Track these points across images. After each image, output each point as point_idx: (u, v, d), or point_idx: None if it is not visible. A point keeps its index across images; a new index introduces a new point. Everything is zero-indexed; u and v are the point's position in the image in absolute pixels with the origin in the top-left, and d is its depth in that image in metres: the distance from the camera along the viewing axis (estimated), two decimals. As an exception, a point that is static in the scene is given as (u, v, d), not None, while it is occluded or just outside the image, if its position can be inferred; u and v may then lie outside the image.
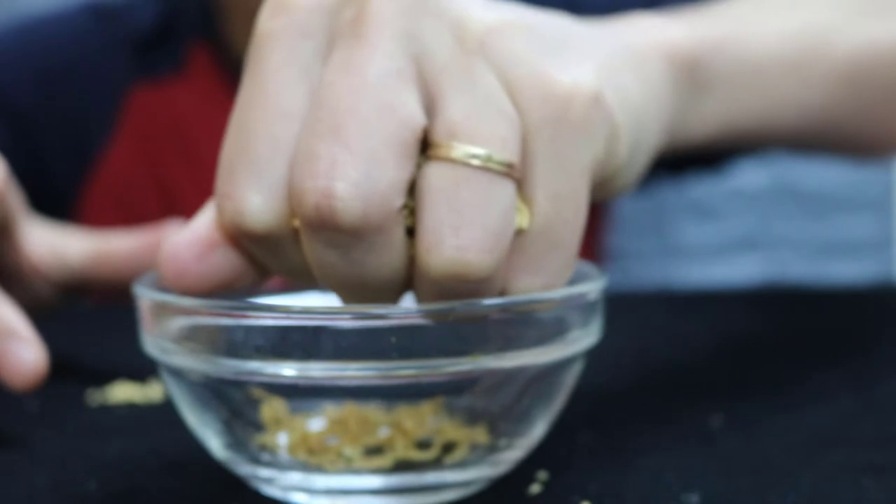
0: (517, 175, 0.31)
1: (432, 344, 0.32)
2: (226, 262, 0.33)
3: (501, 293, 0.32)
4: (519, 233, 0.32)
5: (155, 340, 0.34)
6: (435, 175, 0.31)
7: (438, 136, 0.31)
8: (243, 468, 0.35)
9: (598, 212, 0.89)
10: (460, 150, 0.31)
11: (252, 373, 0.32)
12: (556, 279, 0.33)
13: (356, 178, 0.30)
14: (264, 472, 0.35)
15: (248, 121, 0.32)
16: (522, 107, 0.32)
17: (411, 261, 0.32)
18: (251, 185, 0.32)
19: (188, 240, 0.33)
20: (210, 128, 0.59)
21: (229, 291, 0.34)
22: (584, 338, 0.35)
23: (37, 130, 0.81)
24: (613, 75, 0.35)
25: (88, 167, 0.81)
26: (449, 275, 0.31)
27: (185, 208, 0.79)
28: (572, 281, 0.36)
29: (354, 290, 0.32)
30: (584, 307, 0.34)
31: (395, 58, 0.31)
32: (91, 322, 0.63)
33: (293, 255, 0.33)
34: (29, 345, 0.42)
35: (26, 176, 0.64)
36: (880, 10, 0.55)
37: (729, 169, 0.81)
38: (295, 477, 0.34)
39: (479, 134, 0.31)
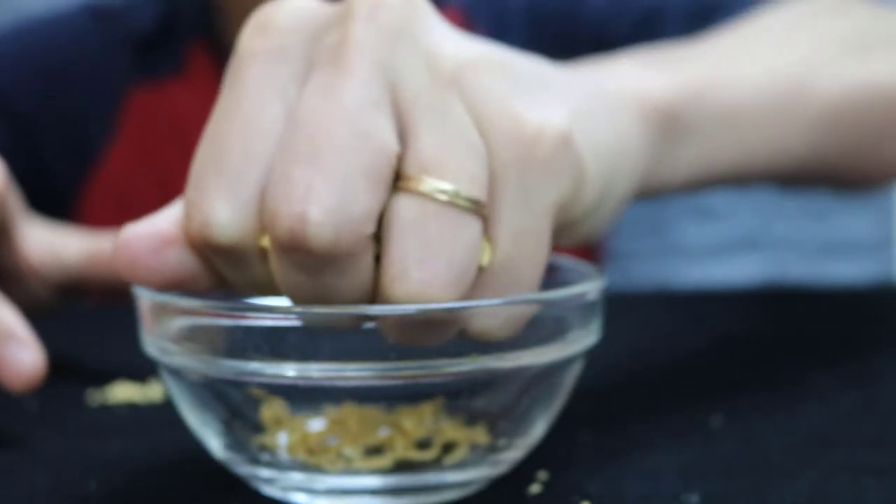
0: (484, 213, 0.32)
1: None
2: (179, 261, 0.33)
3: (460, 334, 0.32)
4: (479, 269, 0.32)
5: (155, 341, 0.35)
6: (404, 207, 0.31)
7: (409, 168, 0.31)
8: (243, 468, 0.35)
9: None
10: (429, 184, 0.31)
11: (252, 373, 0.32)
12: (515, 318, 0.33)
13: (330, 205, 0.30)
14: (264, 473, 0.35)
15: (223, 133, 0.32)
16: (491, 144, 0.32)
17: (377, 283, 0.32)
18: (221, 197, 0.32)
19: (145, 232, 0.33)
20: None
21: (184, 291, 0.34)
22: (584, 338, 0.35)
23: (37, 131, 0.81)
24: (585, 119, 0.35)
25: (88, 168, 0.81)
26: (414, 300, 0.31)
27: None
28: (573, 281, 0.36)
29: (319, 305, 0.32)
30: (583, 307, 0.34)
31: (372, 87, 0.31)
32: (91, 322, 0.63)
33: (256, 270, 0.33)
34: (27, 347, 0.42)
35: (26, 177, 0.64)
36: (861, 49, 0.55)
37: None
38: (295, 477, 0.34)
39: (448, 169, 0.31)
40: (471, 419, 0.35)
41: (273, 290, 0.33)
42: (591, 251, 0.86)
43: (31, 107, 0.81)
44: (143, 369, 0.48)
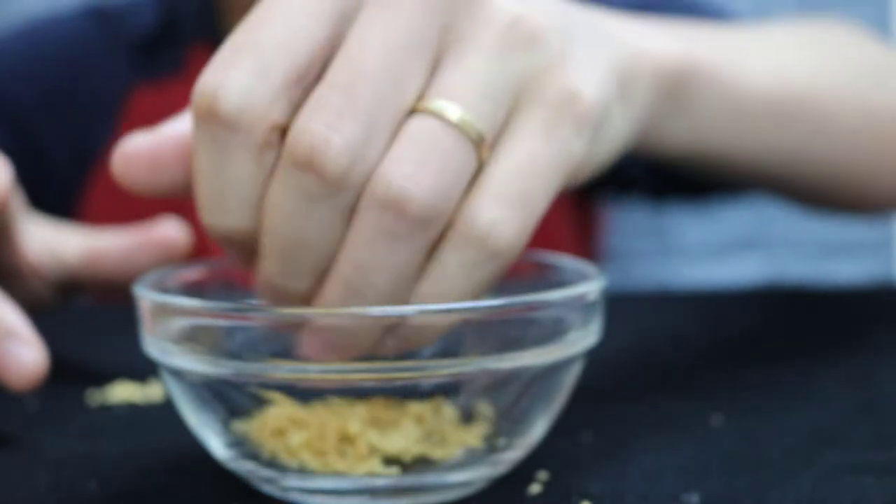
0: (483, 155, 0.33)
1: (433, 345, 0.32)
2: (171, 180, 0.35)
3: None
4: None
5: (155, 341, 0.35)
6: (411, 123, 0.32)
7: (427, 92, 0.32)
8: (243, 468, 0.35)
9: (597, 212, 0.89)
10: (439, 104, 0.32)
11: (252, 373, 0.32)
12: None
13: (352, 139, 0.31)
14: (264, 473, 0.35)
15: (270, 16, 0.32)
16: (531, 91, 0.34)
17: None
18: (245, 70, 0.32)
19: (145, 144, 0.35)
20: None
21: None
22: (584, 338, 0.35)
23: (38, 131, 0.81)
24: (611, 85, 0.36)
25: (89, 167, 0.81)
26: (390, 201, 0.31)
27: (185, 209, 0.79)
28: (573, 282, 0.37)
29: (298, 260, 0.33)
30: (583, 308, 0.34)
31: (424, 30, 0.32)
32: (91, 322, 0.63)
33: (244, 165, 0.32)
34: (29, 345, 0.42)
35: (28, 176, 0.64)
36: (872, 76, 0.56)
37: (713, 207, 0.81)
38: (295, 477, 0.34)
39: (463, 100, 0.32)
40: (471, 419, 0.35)
41: (243, 204, 0.33)
42: (591, 251, 0.86)
43: (32, 107, 0.81)
44: (144, 369, 0.48)
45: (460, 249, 0.32)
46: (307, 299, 0.33)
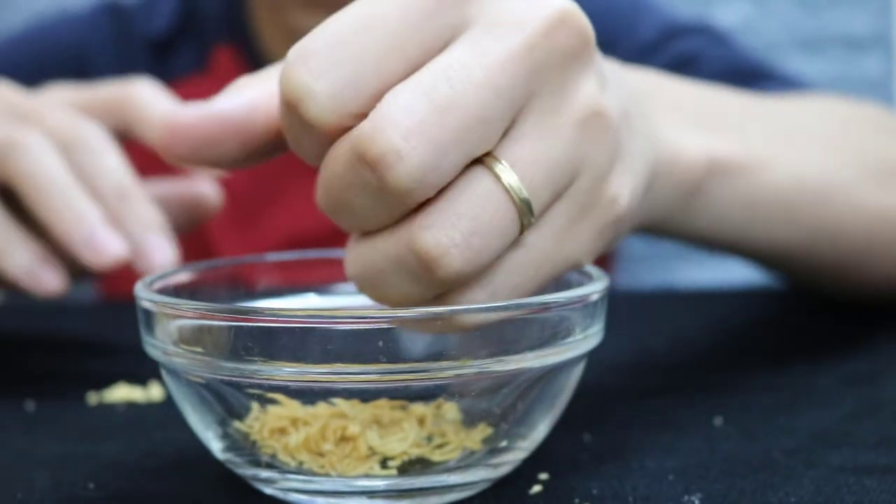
0: (526, 226, 0.33)
1: (433, 346, 0.32)
2: (218, 155, 0.35)
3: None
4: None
5: (156, 342, 0.34)
6: (476, 176, 0.32)
7: (501, 153, 0.32)
8: (244, 469, 0.35)
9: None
10: (509, 176, 0.32)
11: (252, 374, 0.32)
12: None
13: (425, 160, 0.31)
14: (265, 473, 0.35)
15: (375, 23, 0.32)
16: (571, 181, 0.33)
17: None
18: (338, 72, 0.31)
19: (196, 121, 0.34)
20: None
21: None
22: (587, 340, 0.35)
23: None
24: (643, 188, 0.37)
25: None
26: (422, 257, 0.31)
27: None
28: (576, 283, 0.36)
29: (341, 209, 0.33)
30: (586, 309, 0.34)
31: (516, 83, 0.32)
32: (91, 322, 0.63)
33: (315, 148, 0.33)
34: (165, 241, 0.50)
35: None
36: (886, 179, 0.57)
37: None
38: (295, 478, 0.34)
39: (529, 178, 0.32)
40: (472, 421, 0.35)
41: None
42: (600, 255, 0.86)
43: None
44: (144, 370, 0.48)
45: None
46: None
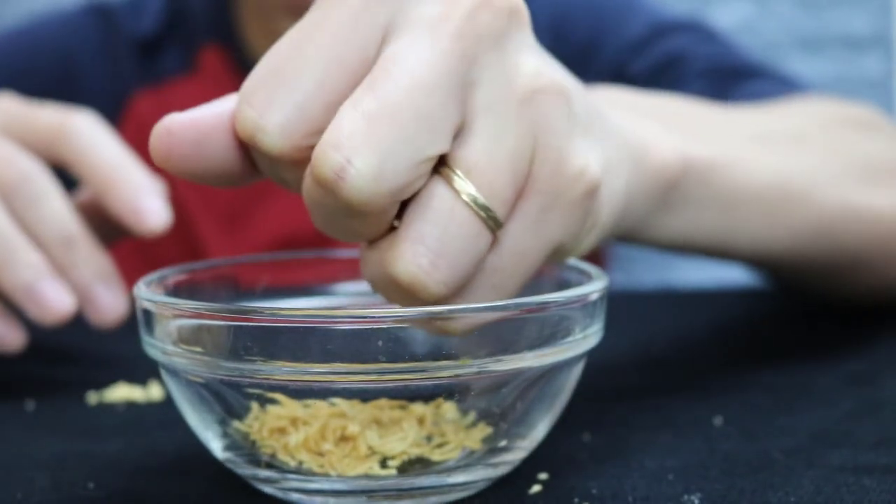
0: (497, 233, 0.32)
1: (433, 346, 0.32)
2: (216, 155, 0.33)
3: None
4: None
5: (155, 342, 0.34)
6: (438, 194, 0.32)
7: (454, 161, 0.32)
8: (243, 469, 0.35)
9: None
10: (468, 188, 0.32)
11: (252, 374, 0.32)
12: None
13: (374, 167, 0.30)
14: (264, 473, 0.35)
15: (302, 49, 0.32)
16: (532, 170, 0.33)
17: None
18: (281, 102, 0.32)
19: (188, 120, 0.33)
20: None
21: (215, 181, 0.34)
22: (586, 339, 0.35)
23: None
24: (612, 173, 0.36)
25: None
26: (403, 284, 0.32)
27: (190, 210, 0.79)
28: (575, 283, 0.36)
29: (331, 230, 0.33)
30: (585, 308, 0.34)
31: (454, 75, 0.32)
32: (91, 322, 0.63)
33: (291, 173, 0.33)
34: (114, 290, 0.49)
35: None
36: (870, 175, 0.56)
37: None
38: (295, 478, 0.34)
39: (484, 179, 0.32)
40: (472, 420, 0.35)
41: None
42: (593, 252, 0.86)
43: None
44: (143, 370, 0.48)
45: None
46: None
